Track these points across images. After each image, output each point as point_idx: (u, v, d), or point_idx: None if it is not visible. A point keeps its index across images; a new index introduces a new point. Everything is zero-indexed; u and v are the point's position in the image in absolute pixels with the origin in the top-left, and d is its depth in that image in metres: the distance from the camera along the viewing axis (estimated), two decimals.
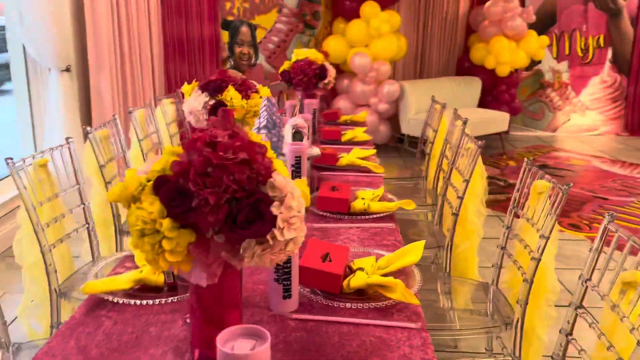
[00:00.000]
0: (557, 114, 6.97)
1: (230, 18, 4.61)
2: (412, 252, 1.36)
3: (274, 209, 0.86)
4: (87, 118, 3.90)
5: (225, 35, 4.61)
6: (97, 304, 1.19)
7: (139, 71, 4.07)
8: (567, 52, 6.77)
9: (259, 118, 1.49)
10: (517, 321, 1.70)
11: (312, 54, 3.00)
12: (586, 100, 6.95)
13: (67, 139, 2.01)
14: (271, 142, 1.48)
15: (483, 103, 6.13)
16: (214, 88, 1.99)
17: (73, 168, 2.01)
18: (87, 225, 2.04)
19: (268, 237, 0.87)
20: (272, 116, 1.48)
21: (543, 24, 6.49)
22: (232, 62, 4.73)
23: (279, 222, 0.87)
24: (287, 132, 1.99)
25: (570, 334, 1.38)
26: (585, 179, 4.95)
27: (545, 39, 6.10)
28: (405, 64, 6.25)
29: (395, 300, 1.20)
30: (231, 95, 1.99)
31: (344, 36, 5.40)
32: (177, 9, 4.23)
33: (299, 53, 3.01)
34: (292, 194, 0.89)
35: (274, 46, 5.03)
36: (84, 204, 2.03)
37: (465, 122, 2.75)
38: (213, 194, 0.82)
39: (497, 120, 5.67)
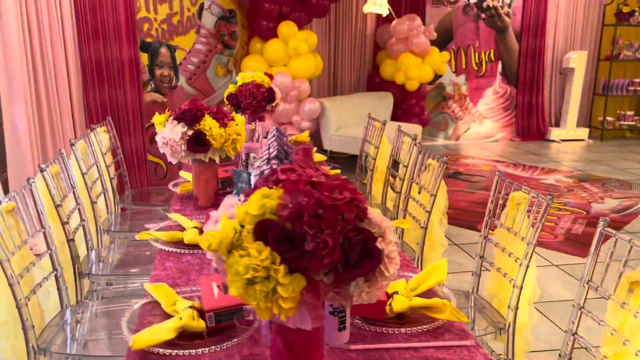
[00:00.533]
0: (458, 123, 7.48)
1: (149, 40, 4.44)
2: (437, 272, 1.41)
3: (379, 245, 0.87)
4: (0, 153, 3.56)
5: (144, 58, 4.43)
6: (143, 358, 1.11)
7: (55, 99, 3.78)
8: (464, 66, 7.31)
9: (268, 148, 1.47)
10: (509, 325, 1.82)
11: (258, 76, 2.99)
12: (482, 110, 7.54)
13: (28, 179, 1.84)
14: None
15: (395, 116, 6.42)
16: (190, 118, 1.92)
17: (37, 211, 1.84)
18: (55, 272, 1.88)
19: (376, 273, 0.87)
20: (284, 146, 1.47)
21: (442, 41, 6.95)
22: (152, 85, 4.55)
23: (384, 258, 0.88)
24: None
25: (576, 333, 1.51)
26: None
27: (446, 55, 6.54)
28: (320, 81, 6.40)
29: (441, 320, 1.25)
30: (209, 124, 1.94)
31: (262, 56, 5.42)
32: (94, 32, 4.00)
33: (245, 76, 2.98)
34: (389, 228, 0.91)
35: (194, 67, 4.92)
36: (50, 249, 1.86)
37: (415, 139, 2.89)
38: (330, 236, 0.81)
39: (411, 132, 5.95)
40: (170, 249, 1.66)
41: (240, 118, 2.04)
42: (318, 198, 0.83)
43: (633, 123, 7.87)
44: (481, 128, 7.58)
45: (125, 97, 4.28)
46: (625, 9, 7.34)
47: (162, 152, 1.98)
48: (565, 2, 7.49)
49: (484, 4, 7.17)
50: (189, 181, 2.39)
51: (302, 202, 0.83)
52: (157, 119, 1.98)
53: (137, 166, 4.44)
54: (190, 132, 1.92)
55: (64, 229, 2.12)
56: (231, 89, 3.02)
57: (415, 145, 2.78)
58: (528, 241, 1.74)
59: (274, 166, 1.49)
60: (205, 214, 2.01)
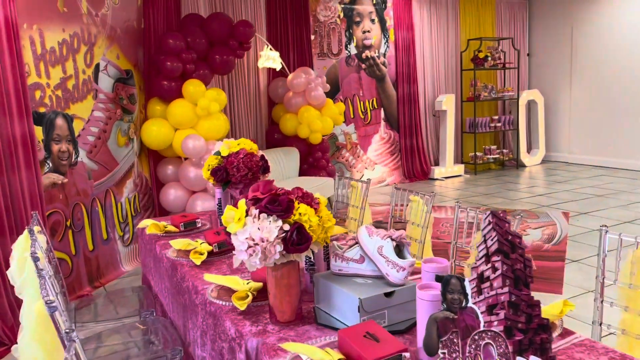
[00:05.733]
0: (353, 171, 7.48)
1: (42, 110, 3.61)
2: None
3: None
4: None
5: (38, 132, 3.58)
6: None
7: None
8: (352, 115, 7.39)
9: (484, 241, 1.09)
10: None
11: (246, 144, 2.52)
12: (372, 156, 7.66)
13: None
14: (515, 270, 1.09)
15: (302, 171, 6.17)
16: (283, 208, 1.44)
17: None
18: None
19: None
20: (507, 235, 1.10)
21: (331, 92, 6.95)
22: (50, 164, 3.69)
23: None
24: (375, 246, 1.57)
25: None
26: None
27: (342, 105, 6.52)
28: None
29: None
30: (305, 212, 1.47)
31: (165, 119, 4.81)
32: None
33: (232, 145, 2.49)
34: None
35: (94, 138, 4.13)
36: None
37: (432, 196, 2.67)
38: None
39: (325, 186, 5.76)
40: None
41: (323, 199, 1.61)
42: None
43: (497, 156, 8.65)
44: (373, 174, 7.67)
45: (21, 183, 3.39)
46: (481, 55, 8.13)
47: (241, 258, 1.45)
48: (429, 50, 8.07)
49: (363, 55, 7.39)
50: (229, 289, 1.84)
51: None
52: (233, 215, 1.45)
53: None
54: (286, 227, 1.44)
55: None
56: (213, 161, 2.49)
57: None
58: None
59: (498, 265, 1.12)
60: (294, 332, 1.51)
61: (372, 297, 1.47)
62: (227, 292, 1.83)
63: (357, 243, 1.64)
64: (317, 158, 6.20)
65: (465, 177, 8.23)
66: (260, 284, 1.76)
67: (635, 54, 7.80)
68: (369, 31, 7.38)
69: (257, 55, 6.25)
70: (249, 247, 1.42)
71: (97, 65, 4.19)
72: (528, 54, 9.32)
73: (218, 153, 2.50)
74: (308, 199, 1.54)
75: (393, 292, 1.51)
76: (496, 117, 8.59)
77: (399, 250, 1.57)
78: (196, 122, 4.85)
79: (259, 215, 1.44)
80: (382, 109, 7.67)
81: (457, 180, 8.10)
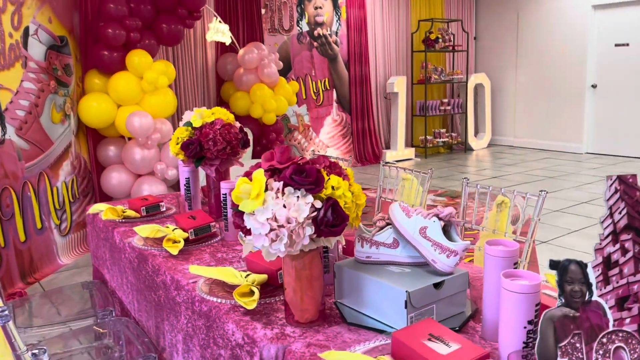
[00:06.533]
0: (305, 155, 7.18)
1: None
2: None
3: None
4: None
5: None
6: None
7: None
8: (304, 96, 7.07)
9: (610, 214, 0.83)
10: None
11: (221, 113, 2.15)
12: (325, 139, 7.39)
13: None
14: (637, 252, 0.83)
15: (255, 154, 5.80)
16: (313, 180, 1.13)
17: None
18: None
19: None
20: (637, 206, 0.84)
21: (282, 71, 6.59)
22: None
23: None
24: (417, 228, 1.29)
25: None
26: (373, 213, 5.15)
27: (295, 84, 6.18)
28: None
29: None
30: (339, 186, 1.16)
31: (105, 93, 4.30)
32: None
33: (205, 114, 2.12)
34: None
35: (24, 113, 3.59)
36: None
37: (430, 174, 2.44)
38: None
39: None
40: None
41: (350, 170, 1.30)
42: None
43: (446, 139, 8.62)
44: None
45: None
46: (432, 36, 8.02)
47: (258, 244, 1.13)
48: (381, 30, 7.86)
49: (315, 33, 7.06)
50: (222, 283, 1.49)
51: None
52: (249, 189, 1.11)
53: None
54: (318, 204, 1.12)
55: None
56: (183, 133, 2.11)
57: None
58: None
59: (628, 245, 0.86)
60: (322, 335, 1.20)
61: (421, 289, 1.19)
62: (220, 287, 1.49)
63: (389, 224, 1.35)
64: (271, 140, 5.85)
65: (415, 161, 8.13)
66: (264, 277, 1.44)
67: (577, 41, 7.95)
68: (320, 7, 7.06)
69: (204, 27, 5.79)
70: (272, 229, 1.10)
71: (27, 29, 3.64)
72: (475, 38, 9.33)
73: (189, 124, 2.12)
74: (337, 169, 1.23)
75: (442, 282, 1.23)
76: (446, 101, 8.54)
77: (445, 232, 1.29)
78: (141, 98, 4.37)
79: (283, 190, 1.11)
80: (334, 90, 7.39)
81: (407, 163, 7.98)
